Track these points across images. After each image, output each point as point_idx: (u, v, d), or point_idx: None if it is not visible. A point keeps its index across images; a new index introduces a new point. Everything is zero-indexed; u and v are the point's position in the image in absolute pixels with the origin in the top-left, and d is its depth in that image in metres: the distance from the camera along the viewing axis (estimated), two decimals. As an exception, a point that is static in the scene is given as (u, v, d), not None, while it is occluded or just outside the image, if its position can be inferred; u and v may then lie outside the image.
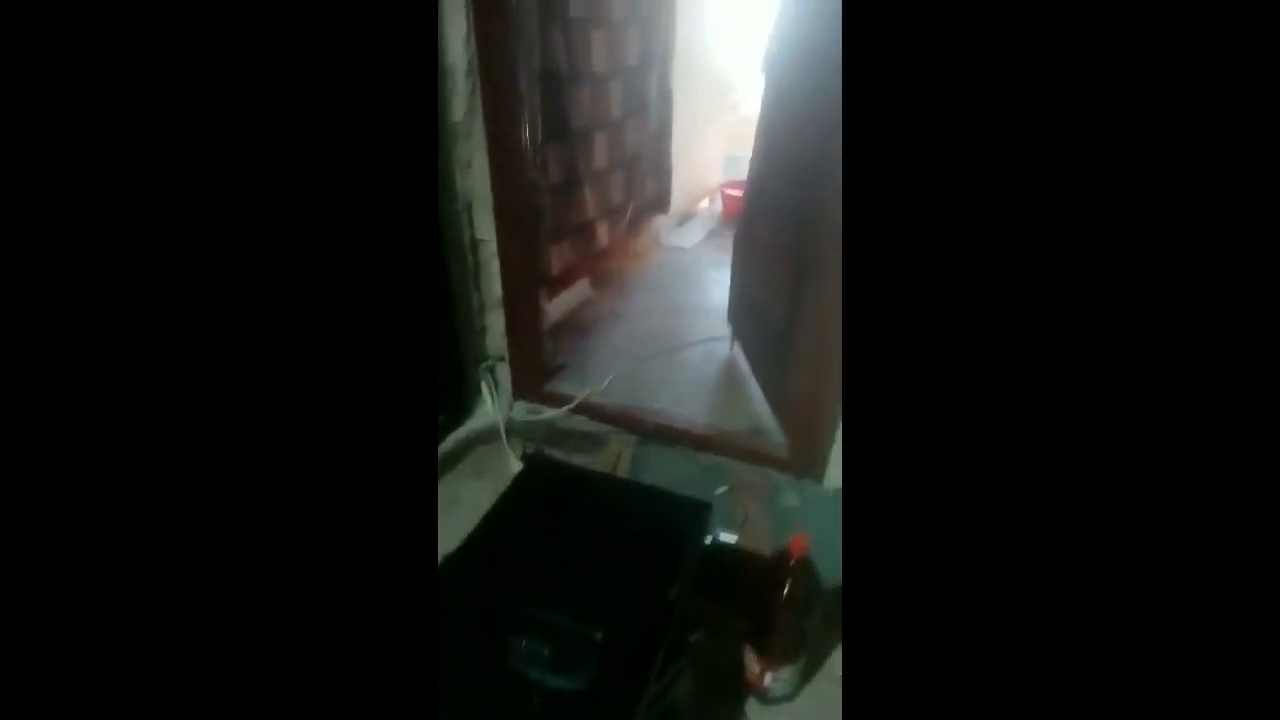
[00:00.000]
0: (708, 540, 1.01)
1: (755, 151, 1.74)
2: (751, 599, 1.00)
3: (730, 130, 3.44)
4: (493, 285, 1.67)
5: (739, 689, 1.05)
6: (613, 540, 0.92)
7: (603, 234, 2.37)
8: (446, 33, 1.35)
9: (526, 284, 1.68)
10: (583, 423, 1.72)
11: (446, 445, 1.63)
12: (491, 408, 1.67)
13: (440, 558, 0.87)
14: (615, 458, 1.58)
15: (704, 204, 3.47)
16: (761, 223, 1.71)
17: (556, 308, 2.13)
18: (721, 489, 1.47)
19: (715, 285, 2.47)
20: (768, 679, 1.02)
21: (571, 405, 1.72)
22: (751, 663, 1.02)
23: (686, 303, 2.44)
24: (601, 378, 1.86)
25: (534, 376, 1.79)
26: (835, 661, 1.10)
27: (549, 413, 1.74)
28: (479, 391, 1.72)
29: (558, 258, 2.11)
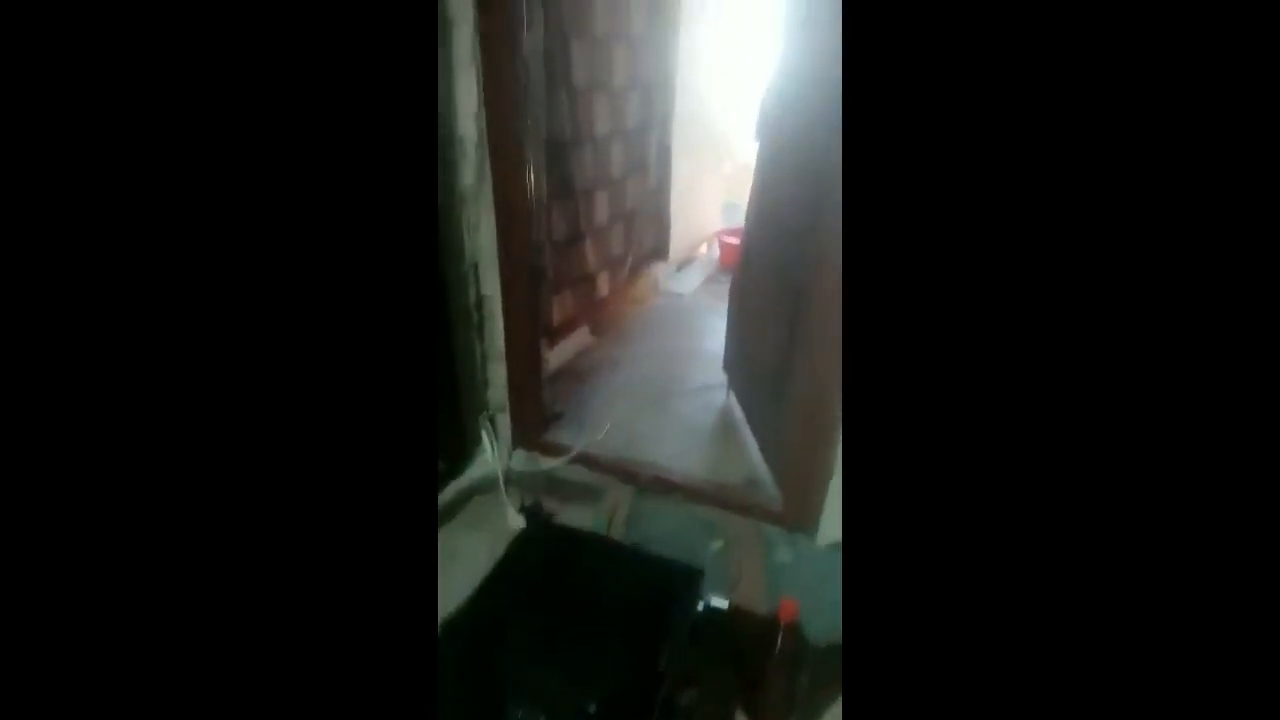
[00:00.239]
0: (700, 606, 1.04)
1: (749, 213, 1.82)
2: (743, 660, 1.02)
3: (728, 179, 3.55)
4: (496, 339, 1.72)
5: (730, 751, 1.07)
6: (607, 607, 0.95)
7: (603, 284, 2.44)
8: (458, 106, 1.43)
9: (528, 336, 1.73)
10: (581, 473, 1.75)
11: (446, 495, 1.66)
12: (491, 457, 1.70)
13: (440, 618, 0.90)
14: (612, 510, 1.61)
15: (702, 249, 3.55)
16: (754, 283, 1.78)
17: (556, 356, 2.18)
18: (716, 544, 1.50)
19: (712, 331, 2.52)
20: (758, 741, 1.03)
21: (570, 456, 1.76)
22: (742, 725, 1.04)
23: (684, 348, 2.49)
24: (599, 426, 1.90)
25: (534, 426, 1.83)
26: (825, 723, 1.11)
27: (548, 463, 1.77)
28: (479, 441, 1.75)
29: (559, 308, 2.17)
